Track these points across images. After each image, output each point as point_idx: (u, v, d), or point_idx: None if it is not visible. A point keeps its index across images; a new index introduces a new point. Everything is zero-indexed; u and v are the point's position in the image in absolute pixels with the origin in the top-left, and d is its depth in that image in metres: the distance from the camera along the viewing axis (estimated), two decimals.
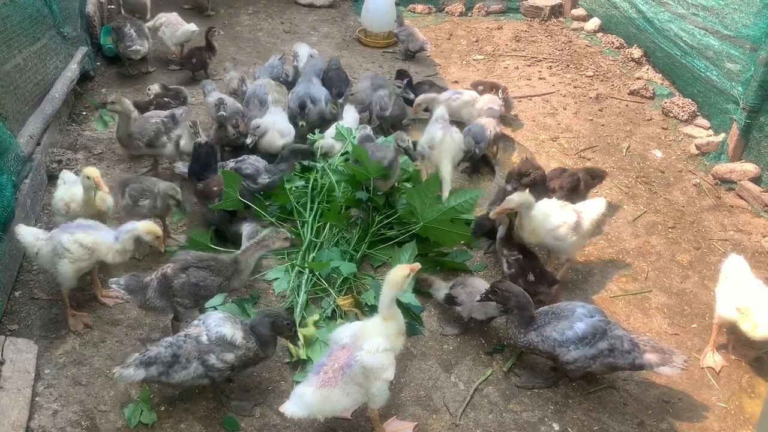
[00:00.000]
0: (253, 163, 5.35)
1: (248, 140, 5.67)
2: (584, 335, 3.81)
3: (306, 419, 3.40)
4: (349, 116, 6.27)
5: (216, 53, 7.83)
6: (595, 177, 5.58)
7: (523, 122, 7.19)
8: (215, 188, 4.96)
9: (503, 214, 4.54)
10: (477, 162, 6.08)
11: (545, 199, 4.74)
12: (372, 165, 4.88)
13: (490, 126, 6.03)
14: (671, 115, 7.32)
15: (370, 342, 3.40)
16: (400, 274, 3.50)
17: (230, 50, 8.37)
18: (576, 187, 5.24)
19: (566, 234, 4.53)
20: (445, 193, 5.18)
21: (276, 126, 5.81)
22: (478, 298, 4.11)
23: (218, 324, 3.62)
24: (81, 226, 4.22)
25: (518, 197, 4.48)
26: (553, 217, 4.55)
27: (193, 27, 7.78)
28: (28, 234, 4.21)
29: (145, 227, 4.20)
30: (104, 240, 4.20)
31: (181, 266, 4.06)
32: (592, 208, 4.77)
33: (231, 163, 5.39)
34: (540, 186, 5.06)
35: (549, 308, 4.03)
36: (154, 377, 3.56)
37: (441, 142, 5.35)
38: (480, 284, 4.37)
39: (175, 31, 7.76)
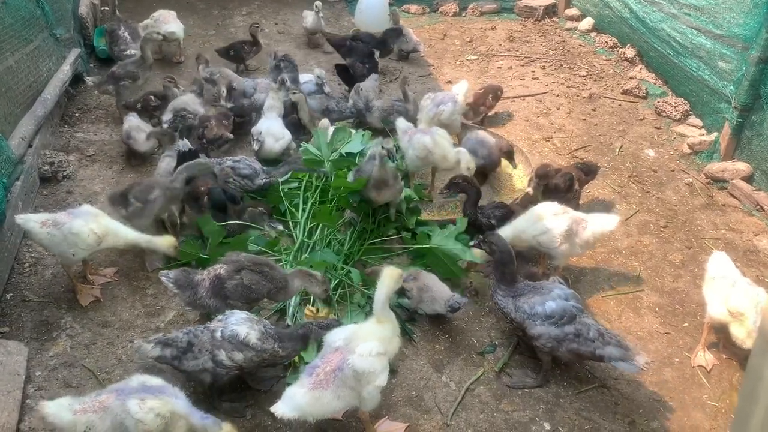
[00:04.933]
0: (250, 164, 5.40)
1: (254, 146, 5.90)
2: (552, 314, 3.89)
3: (297, 420, 3.37)
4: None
5: (260, 49, 7.99)
6: (588, 173, 5.57)
7: (517, 122, 7.20)
8: (202, 189, 4.98)
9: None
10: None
11: (544, 203, 4.74)
12: (355, 183, 4.83)
13: (489, 136, 6.06)
14: (664, 114, 7.34)
15: (363, 345, 3.40)
16: (393, 274, 3.57)
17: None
18: (571, 187, 5.25)
19: (551, 241, 4.53)
20: (465, 164, 5.31)
21: (271, 131, 5.90)
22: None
23: (236, 323, 3.62)
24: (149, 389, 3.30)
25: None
26: (540, 223, 4.55)
27: (171, 28, 7.78)
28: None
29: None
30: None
31: (236, 268, 4.05)
32: (601, 222, 4.68)
33: (228, 162, 5.40)
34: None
35: (533, 283, 4.13)
36: (167, 359, 3.60)
37: (435, 143, 5.35)
38: (431, 280, 4.42)
39: (159, 29, 7.77)
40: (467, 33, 9.57)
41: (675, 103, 7.31)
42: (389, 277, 3.56)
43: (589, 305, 4.71)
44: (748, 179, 6.09)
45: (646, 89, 7.82)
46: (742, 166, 6.13)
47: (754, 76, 5.90)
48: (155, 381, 3.33)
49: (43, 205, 5.34)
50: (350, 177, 5.03)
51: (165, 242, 4.60)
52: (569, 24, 9.94)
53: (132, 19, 7.96)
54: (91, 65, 7.87)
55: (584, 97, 7.75)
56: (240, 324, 3.62)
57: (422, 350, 4.32)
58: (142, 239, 4.56)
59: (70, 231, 4.27)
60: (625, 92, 7.84)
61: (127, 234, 4.51)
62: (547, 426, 3.85)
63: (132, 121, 6.11)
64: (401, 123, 5.80)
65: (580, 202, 5.58)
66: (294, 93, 6.30)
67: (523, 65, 8.62)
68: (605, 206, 5.82)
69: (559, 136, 6.95)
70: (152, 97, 6.58)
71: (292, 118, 6.37)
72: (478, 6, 10.40)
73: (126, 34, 7.42)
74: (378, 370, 3.40)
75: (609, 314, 4.69)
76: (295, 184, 5.52)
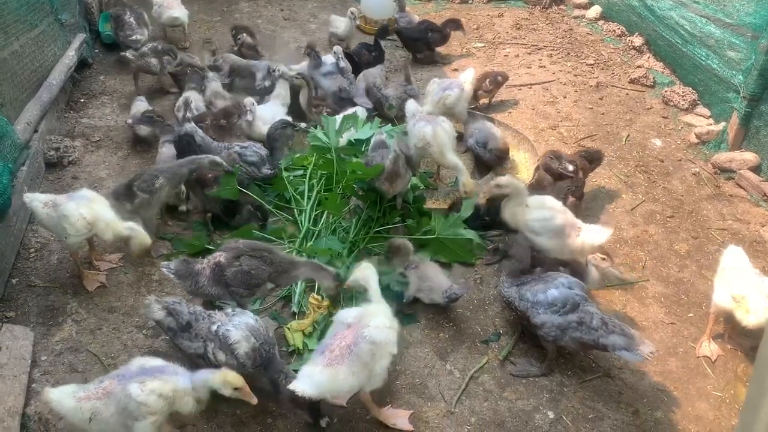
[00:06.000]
0: (257, 151, 5.35)
1: (248, 117, 5.93)
2: (554, 302, 3.90)
3: (313, 397, 3.32)
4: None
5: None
6: (593, 161, 5.56)
7: (523, 110, 7.16)
8: (209, 175, 4.95)
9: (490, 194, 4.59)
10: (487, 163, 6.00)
11: (549, 197, 4.68)
12: (371, 169, 4.77)
13: (494, 128, 6.01)
14: (671, 103, 7.29)
15: (376, 319, 3.45)
16: (366, 268, 3.80)
17: (229, 38, 8.30)
18: (575, 175, 5.24)
19: (540, 229, 4.48)
20: (463, 178, 5.20)
21: (261, 113, 5.96)
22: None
23: (236, 325, 3.57)
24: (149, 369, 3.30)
25: (508, 179, 4.55)
26: (537, 211, 4.52)
27: (175, 14, 7.76)
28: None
29: (223, 379, 3.27)
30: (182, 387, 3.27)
31: (235, 255, 4.04)
32: (594, 235, 4.52)
33: (236, 148, 5.38)
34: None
35: (539, 275, 4.14)
36: (164, 327, 3.64)
37: (434, 136, 5.28)
38: (432, 271, 4.44)
39: (162, 14, 7.77)
40: (474, 20, 9.50)
41: (683, 92, 7.26)
42: (365, 271, 3.76)
43: (594, 295, 4.70)
44: (756, 169, 6.05)
45: (653, 78, 7.76)
46: (749, 156, 6.09)
47: (763, 65, 5.85)
48: (154, 362, 3.33)
49: (49, 190, 5.33)
50: None
51: (140, 239, 4.46)
52: (577, 12, 9.86)
53: (137, 4, 7.92)
54: (96, 50, 7.85)
55: (591, 86, 7.70)
56: (239, 329, 3.56)
57: (426, 338, 4.32)
58: (126, 230, 4.44)
59: (62, 213, 4.27)
60: (632, 81, 7.79)
61: (116, 225, 4.40)
62: (551, 415, 3.86)
63: (140, 105, 6.10)
64: (410, 105, 5.75)
65: (588, 190, 5.56)
66: (298, 77, 6.30)
67: (530, 53, 8.56)
68: (611, 196, 5.80)
69: (565, 124, 6.91)
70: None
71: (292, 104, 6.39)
72: None
73: (131, 19, 7.37)
74: (392, 341, 3.46)
75: (614, 304, 4.68)
76: (300, 172, 5.51)
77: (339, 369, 3.32)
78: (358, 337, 3.37)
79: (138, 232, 4.46)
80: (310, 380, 3.28)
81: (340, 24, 8.23)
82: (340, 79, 6.74)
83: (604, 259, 4.29)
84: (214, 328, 3.58)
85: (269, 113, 6.04)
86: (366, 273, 3.74)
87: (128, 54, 6.83)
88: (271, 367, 3.61)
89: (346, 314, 3.55)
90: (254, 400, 3.31)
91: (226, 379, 3.23)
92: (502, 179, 4.54)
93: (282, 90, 6.32)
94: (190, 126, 5.30)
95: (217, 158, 4.89)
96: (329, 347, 3.38)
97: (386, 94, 6.60)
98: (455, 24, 8.19)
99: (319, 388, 3.28)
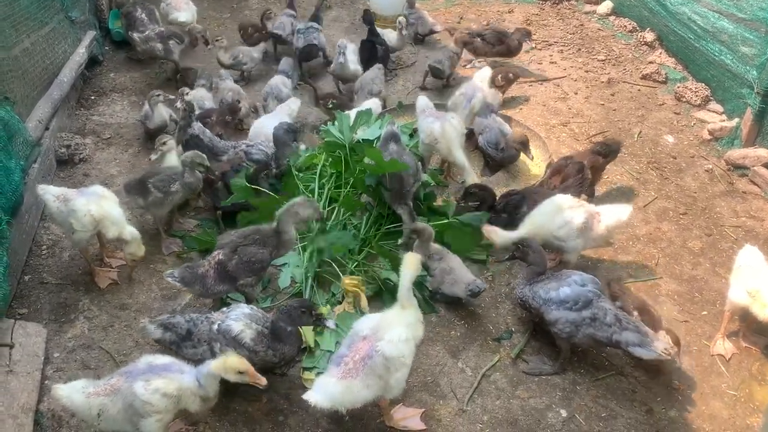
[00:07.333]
0: (263, 149, 5.36)
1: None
2: (566, 299, 3.91)
3: (314, 407, 3.33)
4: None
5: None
6: (608, 154, 5.45)
7: (534, 107, 7.12)
8: (216, 173, 4.95)
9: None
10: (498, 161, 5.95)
11: (559, 195, 4.65)
12: (387, 163, 4.72)
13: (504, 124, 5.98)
14: (684, 99, 7.22)
15: (391, 332, 3.39)
16: (414, 259, 3.58)
17: (238, 35, 8.30)
18: (580, 171, 5.16)
19: (568, 234, 4.46)
20: (470, 180, 5.21)
21: (265, 123, 5.83)
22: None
23: (235, 318, 3.61)
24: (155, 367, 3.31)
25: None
26: (558, 216, 4.48)
27: (181, 17, 7.73)
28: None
29: (225, 364, 3.23)
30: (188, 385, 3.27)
31: (231, 248, 4.09)
32: (614, 213, 4.58)
33: (242, 146, 5.37)
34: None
35: (553, 273, 4.15)
36: (166, 343, 3.64)
37: (443, 132, 5.26)
38: (455, 263, 4.45)
39: (169, 14, 7.75)
40: (484, 16, 9.46)
41: (695, 88, 7.19)
42: (411, 262, 3.55)
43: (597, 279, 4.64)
44: None
45: (665, 74, 7.70)
46: (763, 153, 6.03)
47: None
48: (162, 360, 3.34)
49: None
50: None
51: (136, 248, 4.49)
52: (587, 7, 9.78)
53: (148, 0, 7.91)
54: (106, 48, 7.85)
55: (602, 82, 7.65)
56: (237, 320, 3.60)
57: (438, 336, 4.30)
58: (129, 234, 4.45)
59: (71, 208, 4.30)
60: (644, 77, 7.72)
61: (121, 226, 4.42)
62: (563, 413, 3.84)
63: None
64: (421, 101, 5.72)
65: (600, 188, 5.52)
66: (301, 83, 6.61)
67: (540, 49, 8.51)
68: (623, 193, 5.76)
69: (576, 121, 6.87)
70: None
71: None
72: None
73: (143, 15, 7.34)
74: (406, 355, 3.41)
75: None
76: (310, 173, 5.49)
77: (353, 382, 3.32)
78: (372, 350, 3.34)
79: (137, 241, 4.49)
80: (323, 392, 3.29)
81: (391, 36, 7.89)
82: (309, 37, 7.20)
83: (675, 348, 3.91)
84: (215, 327, 3.60)
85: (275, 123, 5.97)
86: (404, 264, 3.55)
87: (135, 36, 6.89)
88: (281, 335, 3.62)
89: (363, 324, 3.51)
90: (263, 381, 3.28)
91: (228, 364, 3.22)
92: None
93: (293, 105, 6.24)
94: (198, 126, 5.30)
95: (200, 154, 4.85)
96: (344, 359, 3.38)
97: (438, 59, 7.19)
98: (524, 33, 7.88)
99: (333, 400, 3.29)
